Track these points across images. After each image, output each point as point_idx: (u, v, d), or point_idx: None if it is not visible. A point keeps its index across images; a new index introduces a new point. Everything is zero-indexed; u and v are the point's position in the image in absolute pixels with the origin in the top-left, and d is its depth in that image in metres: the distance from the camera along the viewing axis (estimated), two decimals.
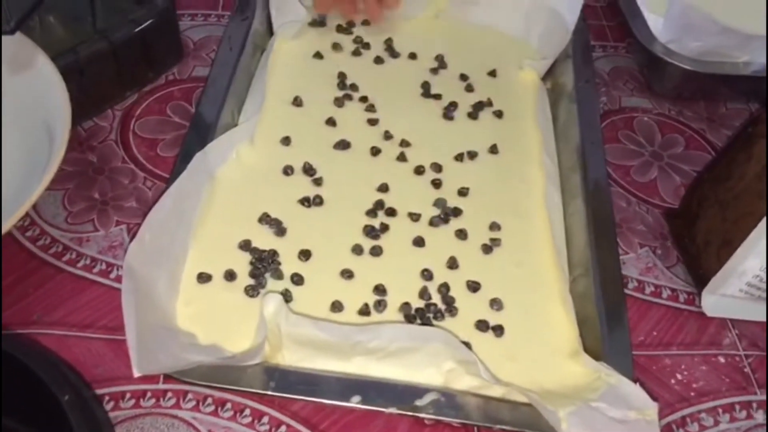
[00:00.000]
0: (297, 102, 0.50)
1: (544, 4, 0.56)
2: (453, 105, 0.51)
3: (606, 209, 0.44)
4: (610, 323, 0.39)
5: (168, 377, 0.36)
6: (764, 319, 0.45)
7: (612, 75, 0.60)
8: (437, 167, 0.47)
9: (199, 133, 0.45)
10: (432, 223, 0.44)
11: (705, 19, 0.52)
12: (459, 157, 0.48)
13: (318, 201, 0.44)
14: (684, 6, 0.52)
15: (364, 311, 0.39)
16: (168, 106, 0.52)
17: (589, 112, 0.50)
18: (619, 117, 0.57)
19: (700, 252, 0.47)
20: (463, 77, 0.54)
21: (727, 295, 0.45)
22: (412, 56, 0.55)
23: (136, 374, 0.34)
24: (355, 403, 0.35)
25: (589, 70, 0.53)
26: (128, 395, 0.37)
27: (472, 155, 0.48)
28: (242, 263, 0.40)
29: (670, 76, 0.55)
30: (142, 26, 0.50)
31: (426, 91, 0.52)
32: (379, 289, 0.40)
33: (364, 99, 0.51)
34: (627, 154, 0.54)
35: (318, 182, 0.45)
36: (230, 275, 0.40)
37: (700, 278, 0.46)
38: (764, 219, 0.42)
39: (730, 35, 0.53)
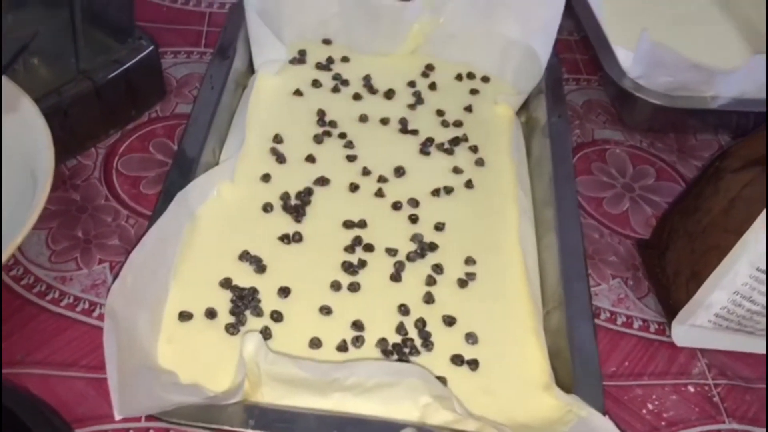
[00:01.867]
0: (277, 139, 0.51)
1: (519, 41, 0.57)
2: (430, 140, 0.53)
3: (577, 243, 0.45)
4: (581, 356, 0.40)
5: (150, 416, 0.37)
6: (732, 349, 0.47)
7: (585, 108, 0.62)
8: (414, 202, 0.48)
9: (181, 172, 0.45)
10: (409, 258, 0.45)
11: (673, 56, 0.54)
12: (435, 192, 0.49)
13: (297, 238, 0.45)
14: (652, 43, 0.54)
15: (342, 347, 0.40)
16: (151, 144, 0.53)
17: (561, 147, 0.51)
18: (592, 149, 0.58)
19: (670, 283, 0.49)
20: (440, 112, 0.55)
21: (695, 326, 0.46)
22: (390, 92, 0.56)
23: (118, 417, 0.35)
24: None
25: (561, 105, 0.54)
26: None
27: (448, 190, 0.50)
28: (223, 301, 0.41)
29: (641, 110, 0.57)
30: (126, 66, 0.51)
31: (404, 126, 0.54)
32: (357, 325, 0.41)
33: (342, 135, 0.52)
34: (599, 186, 0.56)
35: (298, 219, 0.46)
36: (211, 313, 0.40)
37: (670, 309, 0.48)
38: (731, 253, 0.43)
39: (698, 71, 0.55)
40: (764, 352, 0.47)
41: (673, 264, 0.49)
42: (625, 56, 0.58)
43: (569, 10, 0.62)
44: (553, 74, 0.56)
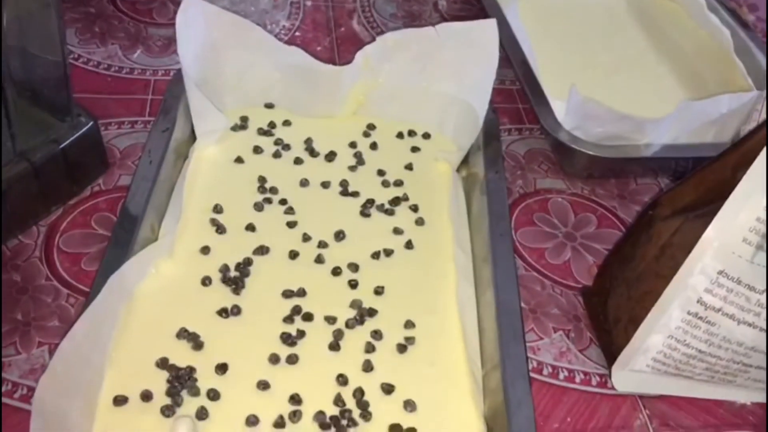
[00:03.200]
0: (217, 209, 0.51)
1: (457, 97, 0.59)
2: (370, 202, 0.54)
3: (513, 301, 0.46)
4: (518, 418, 0.40)
5: None
6: (671, 393, 0.47)
7: (527, 157, 0.63)
8: (354, 267, 0.49)
9: (118, 251, 0.46)
10: (348, 325, 0.46)
11: (602, 110, 0.55)
12: (375, 255, 0.50)
13: (236, 311, 0.45)
14: (582, 97, 0.55)
15: (279, 423, 0.40)
16: (93, 219, 0.53)
17: (498, 203, 0.52)
18: (534, 199, 0.59)
19: (612, 329, 0.50)
20: (381, 172, 0.56)
21: (635, 371, 0.47)
22: (332, 155, 0.57)
23: None
24: None
25: (498, 161, 0.55)
26: None
27: (388, 252, 0.50)
28: (159, 382, 0.41)
29: (578, 160, 0.58)
30: (64, 145, 0.51)
31: (344, 189, 0.54)
32: (295, 399, 0.41)
33: (283, 201, 0.53)
34: (541, 237, 0.56)
35: (237, 291, 0.46)
36: (146, 396, 0.40)
37: (613, 355, 0.48)
38: (662, 297, 0.44)
39: (628, 121, 0.56)
40: (702, 397, 0.47)
41: (613, 310, 0.50)
42: (560, 108, 0.59)
43: (508, 60, 0.64)
44: (490, 130, 0.58)
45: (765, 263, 0.41)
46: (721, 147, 0.58)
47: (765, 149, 0.40)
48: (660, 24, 0.74)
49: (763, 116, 0.48)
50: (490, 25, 0.57)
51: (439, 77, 0.59)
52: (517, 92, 0.68)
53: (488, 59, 0.57)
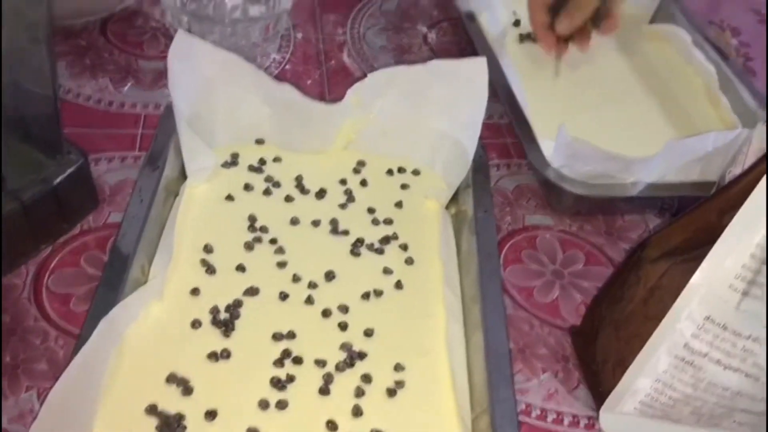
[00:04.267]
0: (207, 249, 0.51)
1: (447, 134, 0.59)
2: (360, 241, 0.54)
3: (503, 345, 0.46)
4: None
5: None
6: None
7: (515, 193, 0.63)
8: (344, 308, 0.49)
9: (108, 294, 0.46)
10: (338, 368, 0.46)
11: (589, 149, 0.56)
12: (365, 296, 0.50)
13: (225, 355, 0.45)
14: (570, 137, 0.56)
15: None
16: (82, 257, 0.53)
17: (488, 242, 0.52)
18: (523, 236, 0.60)
19: (599, 370, 0.50)
20: (371, 210, 0.57)
21: (623, 413, 0.47)
22: (322, 192, 0.57)
23: None
24: None
25: (487, 199, 0.56)
26: None
27: (378, 293, 0.50)
28: (148, 430, 0.41)
29: (566, 198, 0.59)
30: (55, 183, 0.51)
31: (334, 227, 0.55)
32: None
33: (273, 241, 0.53)
34: (530, 275, 0.57)
35: (226, 334, 0.47)
36: None
37: (601, 396, 0.48)
38: (650, 340, 0.45)
39: (615, 161, 0.57)
40: None
41: (601, 351, 0.50)
42: (548, 146, 0.59)
43: (497, 95, 0.65)
44: (479, 168, 0.58)
45: (751, 310, 0.42)
46: (707, 185, 0.59)
47: (753, 192, 0.40)
48: (648, 60, 0.75)
49: (750, 155, 0.49)
50: (479, 63, 0.58)
51: (429, 114, 0.59)
52: (506, 127, 0.69)
53: (478, 97, 0.58)
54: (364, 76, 0.72)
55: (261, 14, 0.74)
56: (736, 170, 0.49)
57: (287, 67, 0.73)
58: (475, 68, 0.58)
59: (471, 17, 0.76)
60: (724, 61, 0.72)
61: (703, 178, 0.60)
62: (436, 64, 0.59)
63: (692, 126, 0.68)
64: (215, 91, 0.58)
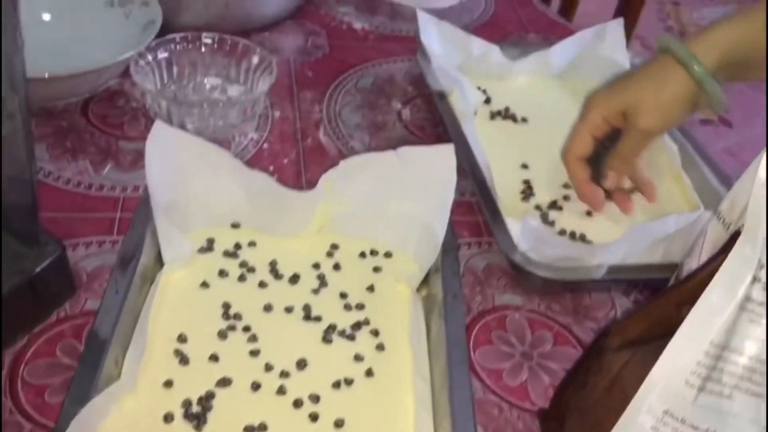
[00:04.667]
0: (181, 339, 0.52)
1: (418, 218, 0.61)
2: (332, 327, 0.55)
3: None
4: None
5: None
6: None
7: (486, 272, 0.65)
8: (315, 398, 0.50)
9: (82, 388, 0.46)
10: None
11: (553, 237, 0.58)
12: (336, 385, 0.51)
13: None
14: (535, 225, 0.58)
15: None
16: (58, 347, 0.54)
17: (456, 328, 0.54)
18: (493, 316, 0.61)
19: None
20: (343, 295, 0.58)
21: None
22: (295, 277, 0.58)
23: None
24: None
25: (456, 283, 0.57)
26: None
27: (349, 381, 0.52)
28: None
29: (533, 280, 0.60)
30: (32, 275, 0.52)
31: (307, 313, 0.56)
32: None
33: (247, 328, 0.54)
34: (499, 357, 0.58)
35: (198, 428, 0.47)
36: None
37: None
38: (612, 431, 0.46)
39: (579, 246, 0.59)
40: None
41: None
42: (515, 227, 0.61)
43: (466, 174, 0.67)
44: (449, 251, 0.60)
45: (708, 404, 0.43)
46: (670, 267, 0.61)
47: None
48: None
49: (705, 248, 0.50)
50: (447, 150, 0.60)
51: (400, 198, 0.61)
52: (478, 204, 0.71)
53: (446, 182, 0.60)
54: (340, 153, 0.75)
55: (239, 95, 0.76)
56: (692, 262, 0.51)
57: (264, 146, 0.75)
58: (444, 155, 0.60)
59: (442, 95, 0.78)
60: (687, 142, 0.74)
61: (666, 259, 0.62)
62: (405, 150, 0.61)
63: (658, 204, 0.70)
64: (192, 177, 0.60)
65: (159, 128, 0.58)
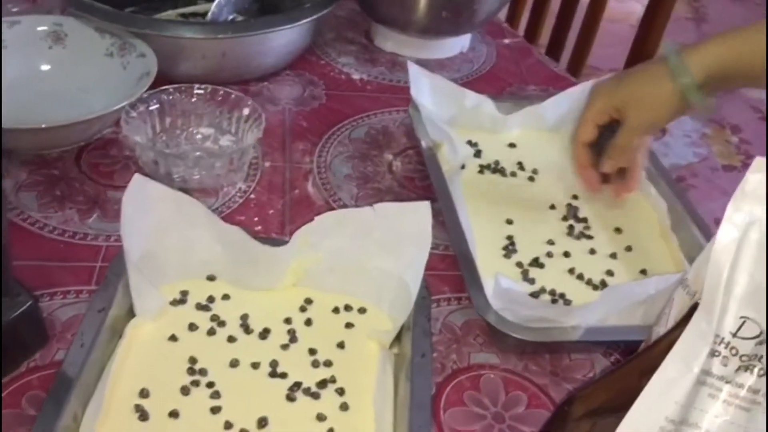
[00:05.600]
0: (143, 394, 0.52)
1: (392, 274, 0.61)
2: (297, 385, 0.55)
3: None
4: None
5: None
6: None
7: (464, 329, 0.64)
8: None
9: None
10: None
11: (525, 298, 0.57)
12: None
13: None
14: (506, 287, 0.57)
15: None
16: (24, 397, 0.54)
17: (421, 392, 0.53)
18: (467, 375, 0.60)
19: None
20: (312, 351, 0.58)
21: None
22: (266, 332, 0.58)
23: None
24: None
25: (426, 343, 0.57)
26: None
27: None
28: None
29: (508, 340, 0.59)
30: (2, 325, 0.53)
31: (273, 370, 0.56)
32: None
33: (210, 384, 0.54)
34: (471, 419, 0.57)
35: None
36: None
37: None
38: None
39: (554, 307, 0.58)
40: None
41: None
42: (491, 286, 0.61)
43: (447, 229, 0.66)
44: (422, 309, 0.59)
45: None
46: (649, 329, 0.60)
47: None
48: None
49: (672, 316, 0.49)
50: (423, 207, 0.60)
51: (376, 254, 0.61)
52: (455, 257, 0.70)
53: (421, 239, 0.60)
54: (326, 204, 0.75)
55: (229, 145, 0.77)
56: (660, 329, 0.49)
57: (252, 196, 0.75)
58: (419, 212, 0.60)
59: (431, 149, 0.78)
60: (678, 201, 0.73)
61: (645, 321, 0.61)
62: (382, 207, 0.61)
63: (644, 261, 0.69)
64: (168, 230, 0.60)
65: (138, 181, 0.59)
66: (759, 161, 0.39)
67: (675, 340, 0.42)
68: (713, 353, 0.40)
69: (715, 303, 0.39)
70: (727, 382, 0.41)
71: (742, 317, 0.39)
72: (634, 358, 0.47)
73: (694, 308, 0.42)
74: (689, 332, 0.40)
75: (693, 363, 0.40)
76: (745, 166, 0.81)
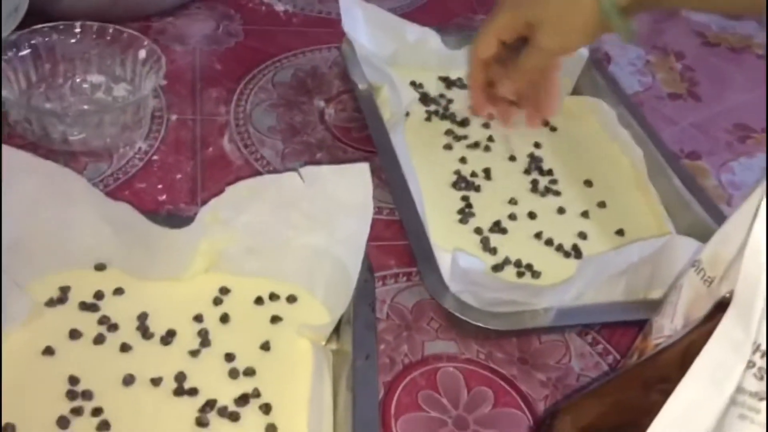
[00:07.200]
0: (8, 430, 0.40)
1: (326, 252, 0.50)
2: (210, 404, 0.43)
3: None
4: None
5: None
6: None
7: (415, 313, 0.54)
8: None
9: None
10: None
11: (489, 279, 0.46)
12: None
13: None
14: (464, 268, 0.46)
15: None
16: None
17: (367, 403, 0.43)
18: (421, 371, 0.50)
19: None
20: (229, 357, 0.46)
21: None
22: (169, 335, 0.47)
23: None
24: None
25: (370, 341, 0.46)
26: None
27: None
28: None
29: (468, 327, 0.49)
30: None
31: (179, 385, 0.44)
32: None
33: (97, 411, 0.42)
34: (427, 426, 0.47)
35: None
36: None
37: None
38: None
39: (522, 288, 0.47)
40: None
41: None
42: (446, 261, 0.50)
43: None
44: (364, 296, 0.48)
45: None
46: (632, 306, 0.50)
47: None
48: (569, 138, 0.67)
49: (680, 307, 0.39)
50: (361, 170, 0.49)
51: (306, 229, 0.50)
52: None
53: (361, 209, 0.48)
54: (247, 164, 0.63)
55: (125, 96, 0.64)
56: (664, 321, 0.40)
57: (155, 157, 0.62)
58: (357, 176, 0.49)
59: (369, 92, 0.66)
60: (656, 149, 0.63)
61: (628, 296, 0.51)
62: (310, 170, 0.49)
63: (620, 219, 0.60)
64: (40, 210, 0.48)
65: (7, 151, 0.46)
66: None
67: (693, 346, 0.32)
68: (748, 365, 0.31)
69: (755, 307, 0.29)
70: (761, 399, 0.31)
71: None
72: (635, 367, 0.38)
73: (719, 307, 0.32)
74: (718, 342, 0.30)
75: (724, 381, 0.30)
76: (690, 93, 0.74)
